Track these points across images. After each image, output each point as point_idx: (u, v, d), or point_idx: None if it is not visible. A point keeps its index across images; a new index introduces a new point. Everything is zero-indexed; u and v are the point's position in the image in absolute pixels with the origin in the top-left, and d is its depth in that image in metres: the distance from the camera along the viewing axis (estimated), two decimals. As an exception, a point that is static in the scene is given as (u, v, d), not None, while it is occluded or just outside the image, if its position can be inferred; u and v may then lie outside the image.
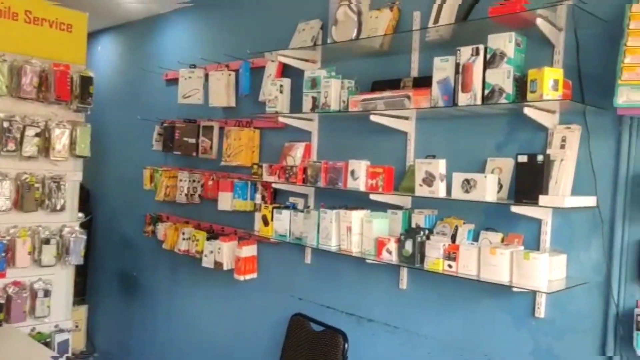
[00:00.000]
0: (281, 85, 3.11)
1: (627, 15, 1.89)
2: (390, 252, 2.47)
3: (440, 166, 2.33)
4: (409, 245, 2.39)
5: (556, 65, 2.21)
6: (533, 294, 2.24)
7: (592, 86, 2.12)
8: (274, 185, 3.16)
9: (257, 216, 3.23)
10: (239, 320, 3.71)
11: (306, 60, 3.15)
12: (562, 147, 2.17)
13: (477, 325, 2.46)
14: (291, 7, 3.36)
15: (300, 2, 3.30)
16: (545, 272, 2.04)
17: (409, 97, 2.45)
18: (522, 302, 2.30)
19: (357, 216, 2.63)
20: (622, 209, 2.05)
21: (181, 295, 4.25)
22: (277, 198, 3.36)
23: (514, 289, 2.15)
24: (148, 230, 4.36)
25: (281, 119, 3.13)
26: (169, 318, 4.36)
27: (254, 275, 3.48)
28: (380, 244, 2.50)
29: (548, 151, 2.18)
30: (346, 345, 2.70)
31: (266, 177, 3.13)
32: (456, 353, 2.52)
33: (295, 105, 3.09)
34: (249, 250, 3.45)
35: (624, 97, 1.85)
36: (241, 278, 3.41)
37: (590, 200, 2.10)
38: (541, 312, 2.25)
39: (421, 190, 2.37)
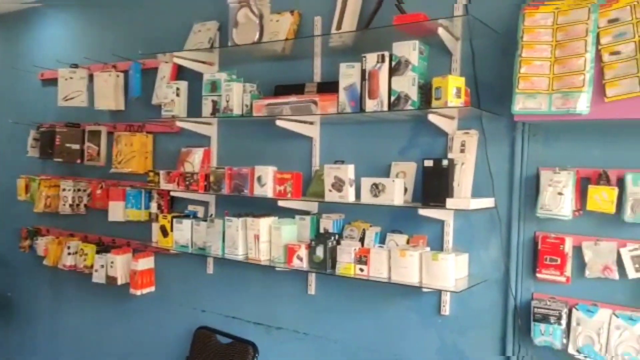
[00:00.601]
0: (177, 88, 2.95)
1: (520, 29, 2.01)
2: (301, 259, 2.44)
3: (349, 171, 2.34)
4: (320, 251, 2.38)
5: (454, 73, 2.31)
6: (439, 292, 2.34)
7: (487, 93, 2.25)
8: (172, 194, 3.00)
9: (155, 227, 3.05)
10: (137, 337, 3.48)
11: (203, 63, 3.03)
12: (462, 151, 2.29)
13: (387, 327, 2.51)
14: (185, 7, 3.21)
15: (195, 3, 3.17)
16: (452, 271, 2.13)
17: (315, 103, 2.44)
18: (429, 301, 2.39)
19: (265, 223, 2.57)
20: (518, 209, 2.20)
21: (68, 314, 3.90)
22: (175, 206, 3.20)
23: (424, 289, 2.22)
24: (25, 245, 3.98)
25: (179, 124, 2.98)
26: (54, 340, 3.99)
27: (152, 289, 3.29)
28: (290, 251, 2.47)
29: (450, 155, 2.28)
30: (256, 356, 2.64)
31: (164, 185, 2.96)
32: (367, 355, 2.56)
33: (193, 109, 2.95)
34: (146, 263, 3.25)
35: (520, 105, 1.98)
36: (138, 292, 3.21)
37: (489, 202, 2.23)
38: (446, 309, 2.35)
39: (331, 196, 2.37)
